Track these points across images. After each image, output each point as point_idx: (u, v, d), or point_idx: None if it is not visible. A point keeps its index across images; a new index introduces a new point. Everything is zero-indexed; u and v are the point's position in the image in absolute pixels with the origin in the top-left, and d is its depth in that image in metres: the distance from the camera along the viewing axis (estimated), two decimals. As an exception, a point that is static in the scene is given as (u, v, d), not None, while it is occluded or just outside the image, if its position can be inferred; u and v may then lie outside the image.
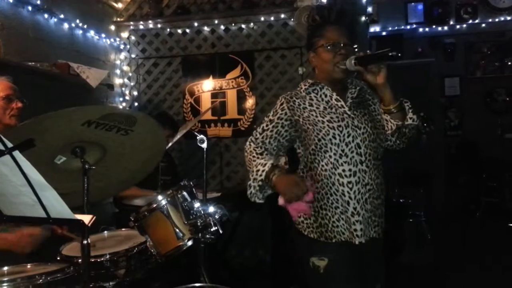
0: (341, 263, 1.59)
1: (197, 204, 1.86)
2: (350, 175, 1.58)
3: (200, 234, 1.80)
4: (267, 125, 1.68)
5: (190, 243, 1.79)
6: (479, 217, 5.35)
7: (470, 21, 5.74)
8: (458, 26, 5.78)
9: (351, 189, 1.58)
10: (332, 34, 1.63)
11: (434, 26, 5.79)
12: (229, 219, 2.06)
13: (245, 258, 3.81)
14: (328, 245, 1.60)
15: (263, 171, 1.57)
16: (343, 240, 1.59)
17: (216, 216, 1.86)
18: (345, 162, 1.58)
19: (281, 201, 1.54)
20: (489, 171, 5.35)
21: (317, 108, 1.64)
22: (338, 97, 1.65)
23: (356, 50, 1.64)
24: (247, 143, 1.71)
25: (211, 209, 1.87)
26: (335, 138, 1.59)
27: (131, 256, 1.69)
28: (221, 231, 1.84)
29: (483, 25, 5.72)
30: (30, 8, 3.09)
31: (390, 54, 1.48)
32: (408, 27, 5.84)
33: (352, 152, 1.59)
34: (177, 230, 1.78)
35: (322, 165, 1.60)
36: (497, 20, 5.69)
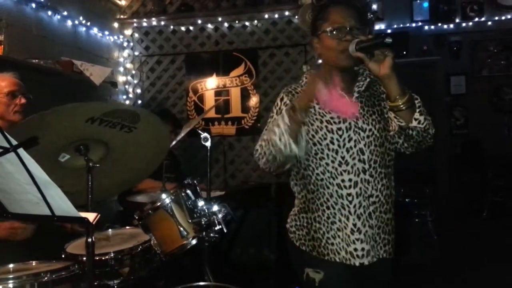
0: (338, 283, 1.40)
1: (201, 203, 1.85)
2: (350, 186, 1.37)
3: (204, 233, 1.79)
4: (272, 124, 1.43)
5: (194, 241, 1.78)
6: (485, 216, 5.31)
7: (476, 19, 5.68)
8: (464, 24, 5.73)
9: (351, 202, 1.37)
10: (336, 17, 1.39)
11: (439, 24, 5.74)
12: (233, 218, 2.05)
13: (249, 257, 3.80)
14: (322, 261, 1.42)
15: (282, 116, 1.30)
16: (337, 261, 1.39)
17: (220, 215, 1.85)
18: (345, 171, 1.37)
19: (323, 99, 1.30)
20: (495, 170, 5.31)
21: (316, 104, 1.40)
22: (342, 92, 1.41)
23: (369, 33, 1.40)
24: (256, 146, 1.44)
25: (215, 207, 1.85)
26: (333, 143, 1.37)
27: (136, 255, 1.68)
28: (225, 230, 1.83)
29: (489, 23, 5.67)
30: (33, 5, 3.09)
31: (386, 41, 1.27)
32: (414, 24, 5.79)
33: (354, 159, 1.37)
34: (181, 228, 1.77)
35: (317, 173, 1.40)
36: (503, 18, 5.63)
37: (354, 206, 1.37)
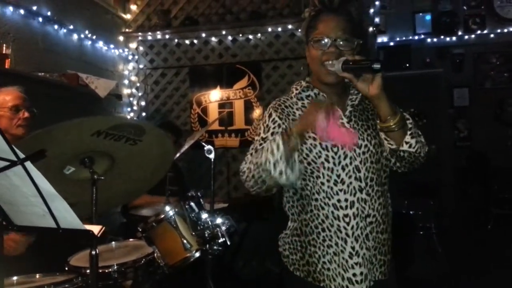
0: None
1: (204, 215, 1.85)
2: (347, 206, 1.28)
3: (207, 245, 1.79)
4: (260, 145, 1.34)
5: (197, 254, 1.78)
6: (490, 228, 5.27)
7: (479, 32, 5.72)
8: (466, 37, 5.77)
9: (348, 223, 1.28)
10: (324, 26, 1.31)
11: (442, 37, 5.78)
12: (236, 230, 2.04)
13: (252, 269, 3.77)
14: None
15: (277, 143, 1.21)
16: None
17: (224, 227, 1.85)
18: (340, 190, 1.28)
19: (319, 131, 1.21)
20: (500, 182, 5.28)
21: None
22: (336, 106, 1.32)
23: (357, 45, 1.32)
24: (242, 167, 1.34)
25: (219, 220, 1.86)
26: (328, 161, 1.29)
27: (139, 267, 1.67)
28: (228, 243, 1.82)
29: (492, 35, 5.70)
30: (40, 19, 3.14)
31: (373, 66, 1.19)
32: (416, 37, 5.83)
33: (350, 177, 1.28)
34: (185, 241, 1.76)
35: (313, 193, 1.31)
36: (505, 30, 5.67)
37: (352, 228, 1.28)
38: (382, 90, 1.24)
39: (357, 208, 1.29)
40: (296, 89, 1.41)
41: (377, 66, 1.19)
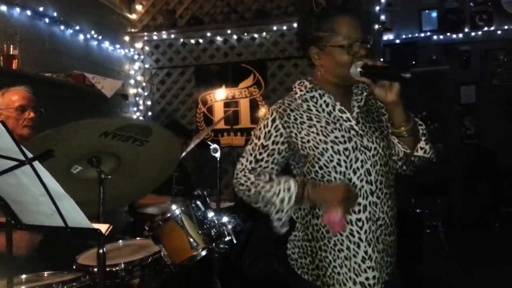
0: None
1: (210, 214, 1.86)
2: (359, 210, 1.26)
3: (214, 244, 1.80)
4: (260, 154, 1.32)
5: (204, 253, 1.78)
6: (498, 227, 5.23)
7: (485, 28, 5.67)
8: (473, 34, 5.72)
9: (361, 228, 1.26)
10: (348, 29, 1.26)
11: (448, 34, 5.73)
12: (242, 229, 2.04)
13: (259, 269, 3.77)
14: None
15: (290, 196, 1.25)
16: None
17: (230, 226, 1.85)
18: None
19: (327, 217, 1.24)
20: (508, 180, 5.23)
21: (318, 122, 1.30)
22: (343, 108, 1.31)
23: (370, 45, 1.30)
24: (240, 175, 1.35)
25: (225, 218, 1.86)
26: (340, 165, 1.26)
27: (146, 266, 1.68)
28: (235, 241, 1.83)
29: (499, 32, 5.65)
30: (47, 20, 3.16)
31: (404, 76, 1.18)
32: (422, 34, 5.79)
33: (362, 181, 1.27)
34: (191, 239, 1.77)
35: None
36: (513, 27, 5.62)
37: (365, 232, 1.26)
38: (399, 97, 1.24)
39: (369, 212, 1.27)
40: (301, 90, 1.36)
41: (407, 75, 1.17)
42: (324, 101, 1.33)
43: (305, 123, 1.30)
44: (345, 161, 1.26)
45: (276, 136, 1.32)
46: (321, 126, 1.30)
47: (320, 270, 1.31)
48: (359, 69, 1.23)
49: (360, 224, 1.27)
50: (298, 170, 1.37)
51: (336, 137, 1.28)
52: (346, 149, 1.27)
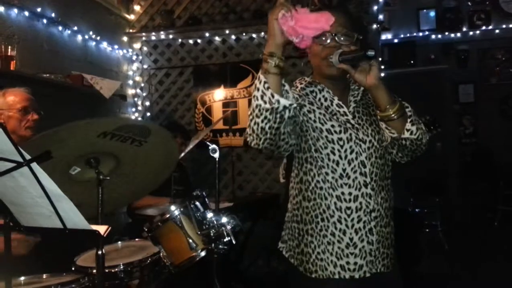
0: None
1: (210, 214, 1.86)
2: (350, 199, 1.30)
3: (213, 245, 1.80)
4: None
5: (203, 253, 1.78)
6: (497, 225, 5.24)
7: (483, 28, 5.68)
8: (471, 33, 5.73)
9: (349, 216, 1.29)
10: None
11: (446, 33, 5.74)
12: (241, 229, 2.04)
13: (258, 269, 3.78)
14: (307, 280, 1.32)
15: (258, 78, 1.17)
16: (323, 278, 1.30)
17: (229, 226, 1.85)
18: (345, 184, 1.30)
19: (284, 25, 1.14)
20: (506, 179, 5.24)
21: (317, 108, 1.34)
22: (340, 102, 1.36)
23: (357, 40, 1.34)
24: (246, 131, 1.26)
25: (224, 219, 1.86)
26: (333, 153, 1.30)
27: (145, 267, 1.68)
28: (234, 242, 1.83)
29: (497, 31, 5.66)
30: (45, 21, 3.16)
31: (367, 53, 1.20)
32: (421, 34, 5.80)
33: (355, 172, 1.30)
34: (190, 240, 1.77)
35: (317, 181, 1.31)
36: (511, 26, 5.62)
37: (352, 220, 1.30)
38: (379, 79, 1.26)
39: (361, 203, 1.30)
40: (301, 83, 1.41)
41: (371, 52, 1.20)
42: (323, 96, 1.37)
43: (306, 106, 1.34)
44: (339, 151, 1.30)
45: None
46: (319, 113, 1.34)
47: (304, 256, 1.34)
48: (337, 57, 1.27)
49: (348, 212, 1.30)
50: (295, 154, 1.35)
51: (332, 126, 1.32)
52: (340, 139, 1.31)
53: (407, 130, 1.31)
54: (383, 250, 1.34)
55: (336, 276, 1.30)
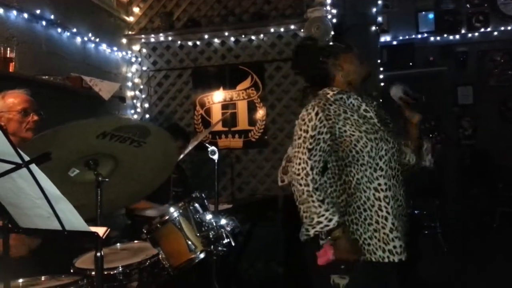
0: (362, 283, 1.53)
1: (209, 216, 1.85)
2: (386, 189, 1.54)
3: (212, 246, 1.79)
4: (311, 144, 1.55)
5: (202, 255, 1.78)
6: (496, 228, 5.24)
7: (482, 30, 5.69)
8: (470, 35, 5.74)
9: (388, 203, 1.53)
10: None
11: (445, 35, 5.76)
12: (241, 231, 2.04)
13: (257, 271, 3.77)
14: (355, 261, 1.53)
15: (326, 226, 1.50)
16: (373, 260, 1.52)
17: (228, 228, 1.84)
18: (380, 176, 1.55)
19: (323, 259, 1.52)
20: (505, 181, 5.24)
21: (351, 115, 1.59)
22: (368, 108, 1.64)
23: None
24: (302, 175, 1.54)
25: (223, 221, 1.85)
26: (372, 151, 1.55)
27: (144, 269, 1.68)
28: (233, 243, 1.82)
29: (496, 33, 5.67)
30: (44, 23, 3.15)
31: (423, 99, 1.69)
32: (419, 36, 5.81)
33: (386, 165, 1.57)
34: (189, 242, 1.76)
35: (358, 178, 1.56)
36: (509, 28, 5.64)
37: (391, 207, 1.53)
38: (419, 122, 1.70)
39: (393, 191, 1.55)
40: (332, 91, 1.66)
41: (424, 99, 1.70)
42: (351, 102, 1.64)
43: (341, 116, 1.58)
44: (375, 148, 1.56)
45: (321, 127, 1.57)
46: (354, 119, 1.59)
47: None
48: (399, 92, 1.71)
49: (387, 200, 1.53)
50: (332, 162, 1.61)
51: (367, 128, 1.58)
52: (375, 138, 1.57)
53: (408, 158, 1.74)
54: (405, 237, 1.57)
55: (385, 260, 1.51)
